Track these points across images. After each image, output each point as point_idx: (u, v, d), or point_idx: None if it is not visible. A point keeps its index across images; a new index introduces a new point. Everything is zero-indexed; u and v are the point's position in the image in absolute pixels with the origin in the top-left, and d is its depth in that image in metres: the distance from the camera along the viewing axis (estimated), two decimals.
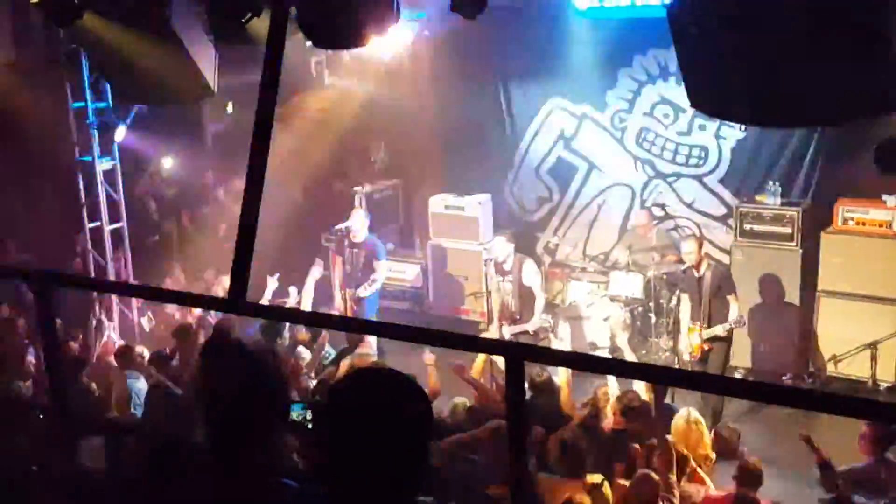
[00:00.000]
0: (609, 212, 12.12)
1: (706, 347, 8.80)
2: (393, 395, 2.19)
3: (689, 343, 8.90)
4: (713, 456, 6.67)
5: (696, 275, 8.93)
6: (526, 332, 9.66)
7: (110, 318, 10.20)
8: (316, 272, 9.67)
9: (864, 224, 9.55)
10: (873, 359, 9.26)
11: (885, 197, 9.44)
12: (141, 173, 12.86)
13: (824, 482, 6.27)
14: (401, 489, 2.20)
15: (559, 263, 11.86)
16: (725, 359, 8.97)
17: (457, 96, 12.24)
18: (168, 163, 13.16)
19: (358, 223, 10.24)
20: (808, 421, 6.56)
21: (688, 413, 6.80)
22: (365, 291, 10.10)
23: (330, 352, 8.89)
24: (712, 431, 7.14)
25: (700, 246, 9.06)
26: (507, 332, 9.75)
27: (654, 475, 5.81)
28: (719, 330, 8.73)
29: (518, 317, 9.87)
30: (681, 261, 9.36)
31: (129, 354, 8.07)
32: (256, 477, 2.64)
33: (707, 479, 6.31)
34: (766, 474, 6.15)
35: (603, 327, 10.30)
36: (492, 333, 9.83)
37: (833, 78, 5.45)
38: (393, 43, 10.33)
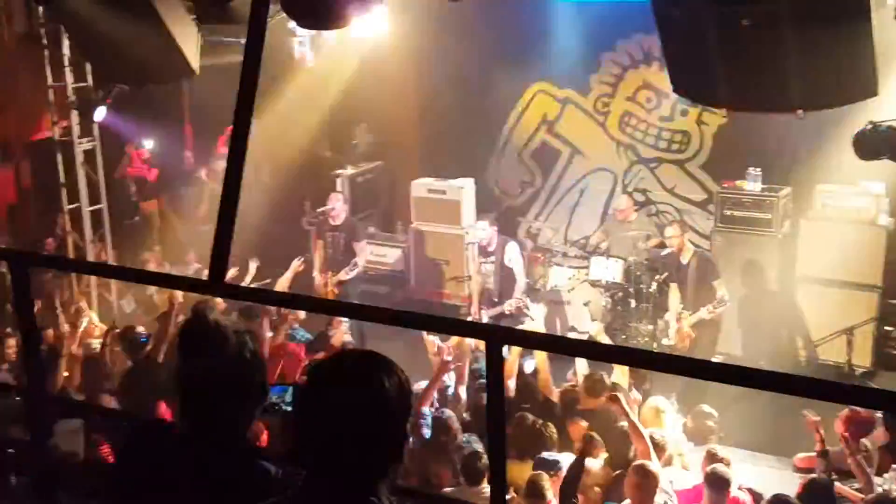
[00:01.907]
0: (591, 197, 12.14)
1: (693, 334, 8.78)
2: (371, 377, 2.18)
3: (679, 329, 8.88)
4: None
5: (682, 261, 8.95)
6: (503, 314, 9.70)
7: (90, 302, 10.14)
8: (297, 263, 9.65)
9: (843, 210, 9.60)
10: (849, 344, 9.33)
11: (863, 183, 9.49)
12: (121, 154, 12.75)
13: (820, 470, 6.32)
14: (377, 471, 2.21)
15: (541, 248, 11.87)
16: (712, 345, 8.98)
17: (440, 80, 12.21)
18: (149, 144, 13.06)
19: (337, 206, 10.22)
20: (789, 406, 6.58)
21: (654, 403, 6.90)
22: (346, 275, 10.09)
23: (304, 335, 8.87)
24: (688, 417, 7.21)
25: (683, 230, 9.07)
26: (486, 316, 9.79)
27: (651, 467, 5.83)
28: (704, 313, 8.74)
29: (497, 300, 9.91)
30: (661, 245, 9.38)
31: (131, 335, 7.99)
32: (234, 459, 2.64)
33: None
34: (747, 459, 6.22)
35: (583, 312, 10.33)
36: (473, 317, 9.87)
37: (814, 64, 5.47)
38: (376, 24, 10.28)
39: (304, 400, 2.23)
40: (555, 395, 7.34)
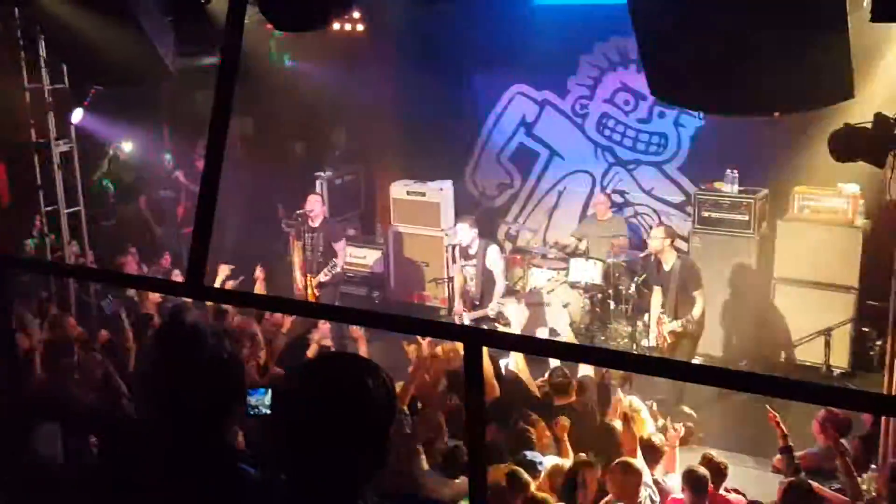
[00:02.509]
0: (569, 199, 12.19)
1: (671, 339, 8.80)
2: (355, 380, 2.18)
3: (660, 333, 8.90)
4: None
5: (664, 267, 8.94)
6: (486, 317, 9.72)
7: (68, 305, 10.04)
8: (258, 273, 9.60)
9: (819, 212, 9.67)
10: (827, 345, 9.40)
11: (840, 185, 9.56)
12: (99, 156, 12.66)
13: (784, 466, 6.36)
14: (362, 475, 2.20)
15: (520, 250, 11.91)
16: (692, 351, 9.00)
17: (419, 81, 12.20)
18: (127, 146, 12.97)
19: (315, 208, 10.21)
20: (767, 407, 6.62)
21: (629, 402, 6.94)
22: (325, 276, 10.07)
23: None
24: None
25: (668, 235, 9.04)
26: (467, 318, 9.80)
27: (634, 463, 5.86)
28: (675, 326, 8.73)
29: (477, 302, 9.93)
30: (638, 248, 9.39)
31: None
32: (213, 462, 2.62)
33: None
34: (727, 460, 6.26)
35: (563, 313, 10.37)
36: (453, 320, 9.88)
37: (790, 67, 5.50)
38: (354, 26, 10.30)
39: (287, 403, 2.22)
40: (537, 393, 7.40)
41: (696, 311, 8.73)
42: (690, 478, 5.85)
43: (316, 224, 10.23)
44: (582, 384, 7.30)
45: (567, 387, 7.17)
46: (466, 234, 10.10)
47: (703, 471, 5.89)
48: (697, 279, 8.87)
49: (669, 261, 8.93)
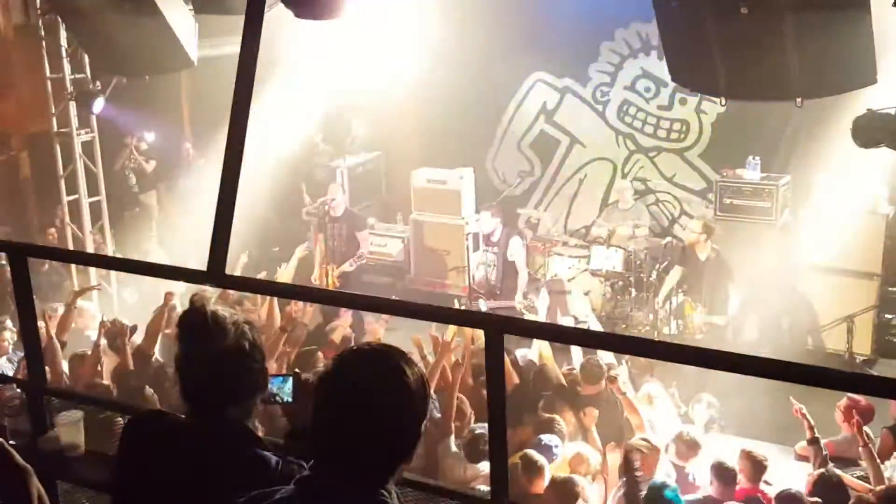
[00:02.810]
0: (590, 186, 12.16)
1: (704, 329, 8.74)
2: (395, 370, 2.20)
3: (691, 320, 8.86)
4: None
5: (700, 258, 8.89)
6: (512, 308, 9.75)
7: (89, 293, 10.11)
8: (300, 251, 9.69)
9: (842, 198, 9.59)
10: (850, 332, 9.34)
11: (863, 171, 9.47)
12: (120, 146, 12.74)
13: (813, 456, 6.34)
14: (389, 465, 2.22)
15: (541, 238, 11.88)
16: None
17: (439, 69, 12.19)
18: (148, 135, 13.04)
19: (338, 197, 10.23)
20: (792, 400, 6.59)
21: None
22: (351, 266, 10.10)
23: None
24: None
25: (704, 231, 8.97)
26: (485, 306, 9.82)
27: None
28: (717, 320, 8.68)
29: (498, 291, 9.94)
30: (659, 236, 9.37)
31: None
32: (234, 448, 2.64)
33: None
34: (764, 450, 6.26)
35: (584, 301, 10.34)
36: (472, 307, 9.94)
37: (813, 52, 5.46)
38: (373, 15, 10.27)
39: (328, 389, 2.23)
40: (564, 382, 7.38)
41: (733, 306, 8.69)
42: (719, 470, 5.84)
43: (337, 214, 10.24)
44: (613, 375, 7.28)
45: (600, 376, 7.14)
46: (488, 222, 10.13)
47: (730, 464, 5.88)
48: (729, 272, 8.84)
49: (704, 252, 8.89)
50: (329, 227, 10.28)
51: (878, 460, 6.08)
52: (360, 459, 2.17)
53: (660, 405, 7.03)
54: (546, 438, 6.17)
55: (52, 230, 10.95)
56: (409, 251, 12.16)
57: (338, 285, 10.02)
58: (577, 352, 7.67)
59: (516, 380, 7.24)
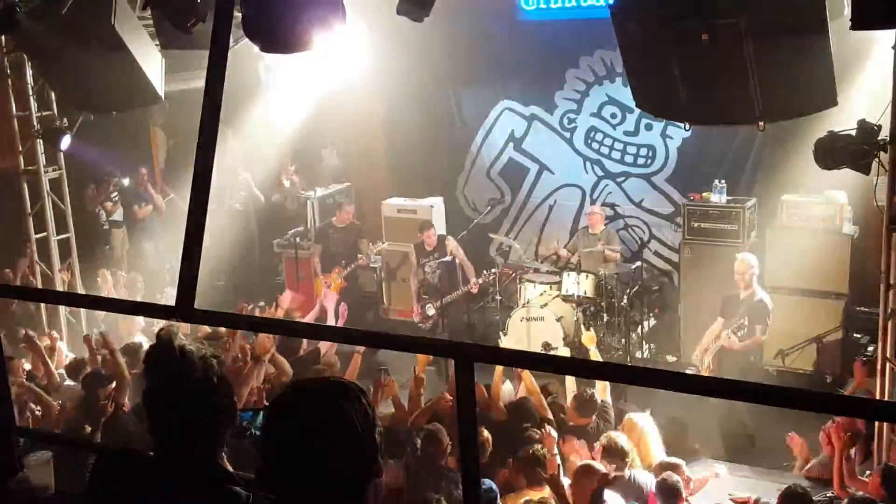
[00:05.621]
0: (560, 212, 12.22)
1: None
2: (331, 405, 2.18)
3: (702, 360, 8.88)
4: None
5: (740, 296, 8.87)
6: (468, 293, 10.61)
7: (59, 332, 10.02)
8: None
9: (807, 220, 9.69)
10: (819, 352, 9.41)
11: (827, 192, 9.59)
12: (89, 183, 12.67)
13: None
14: (349, 492, 2.20)
15: (512, 265, 11.92)
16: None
17: (407, 99, 12.26)
18: (119, 172, 12.96)
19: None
20: (762, 416, 6.65)
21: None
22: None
23: None
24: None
25: (746, 268, 8.87)
26: (432, 309, 10.44)
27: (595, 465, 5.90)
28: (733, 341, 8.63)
29: (445, 290, 10.54)
30: (629, 260, 9.40)
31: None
32: (204, 484, 2.63)
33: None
34: (737, 471, 6.28)
35: (556, 327, 10.36)
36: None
37: (774, 76, 5.54)
38: (340, 46, 10.31)
39: (268, 429, 2.24)
40: (549, 414, 7.32)
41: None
42: (663, 486, 5.85)
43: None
44: (604, 405, 7.28)
45: (594, 407, 7.13)
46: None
47: (676, 479, 5.89)
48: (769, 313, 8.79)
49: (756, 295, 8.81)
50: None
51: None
52: (314, 493, 2.16)
53: (648, 434, 6.98)
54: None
55: (8, 271, 10.80)
56: (380, 281, 12.17)
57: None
58: (569, 380, 7.62)
59: (503, 416, 7.22)
